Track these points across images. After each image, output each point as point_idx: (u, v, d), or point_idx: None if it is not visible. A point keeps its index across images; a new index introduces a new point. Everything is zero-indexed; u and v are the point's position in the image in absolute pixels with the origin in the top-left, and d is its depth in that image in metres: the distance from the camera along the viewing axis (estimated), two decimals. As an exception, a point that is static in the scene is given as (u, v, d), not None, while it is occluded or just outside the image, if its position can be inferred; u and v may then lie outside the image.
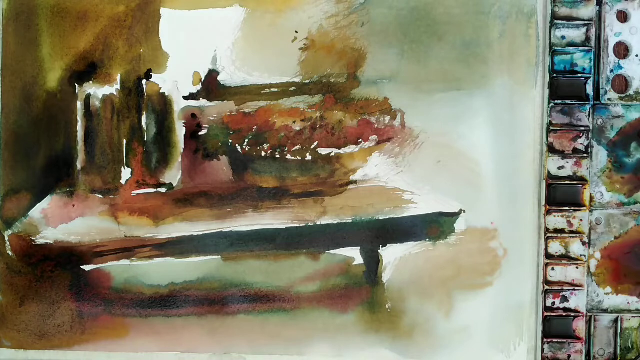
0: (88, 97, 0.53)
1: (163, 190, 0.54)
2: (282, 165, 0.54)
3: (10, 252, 0.54)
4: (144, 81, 0.53)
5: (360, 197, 0.54)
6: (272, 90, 0.54)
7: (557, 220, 0.54)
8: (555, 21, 0.53)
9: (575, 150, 0.54)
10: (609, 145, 0.54)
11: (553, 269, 0.54)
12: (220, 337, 0.54)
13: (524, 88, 0.54)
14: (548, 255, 0.54)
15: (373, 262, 0.54)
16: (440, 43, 0.53)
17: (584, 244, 0.54)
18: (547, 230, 0.54)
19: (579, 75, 0.54)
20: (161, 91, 0.53)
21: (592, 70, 0.54)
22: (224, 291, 0.54)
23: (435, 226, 0.54)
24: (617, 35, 0.54)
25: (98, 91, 0.53)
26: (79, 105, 0.53)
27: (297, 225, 0.54)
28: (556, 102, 0.53)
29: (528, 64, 0.54)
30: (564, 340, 0.54)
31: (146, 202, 0.54)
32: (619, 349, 0.54)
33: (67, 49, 0.53)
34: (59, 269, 0.54)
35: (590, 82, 0.54)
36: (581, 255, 0.54)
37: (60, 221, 0.54)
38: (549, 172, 0.54)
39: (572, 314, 0.54)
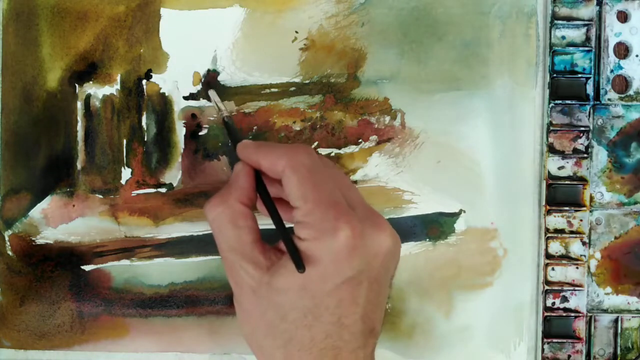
0: (88, 97, 0.53)
1: (163, 190, 0.54)
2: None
3: (10, 252, 0.54)
4: (144, 81, 0.53)
5: (360, 197, 0.54)
6: (272, 90, 0.54)
7: (557, 220, 0.54)
8: (555, 21, 0.53)
9: (575, 150, 0.54)
10: (609, 145, 0.54)
11: (553, 269, 0.54)
12: (220, 337, 0.54)
13: (524, 88, 0.54)
14: (548, 255, 0.54)
15: (373, 262, 0.54)
16: (440, 43, 0.53)
17: (584, 244, 0.54)
18: (547, 230, 0.54)
19: (579, 75, 0.54)
20: (161, 91, 0.53)
21: (592, 70, 0.54)
22: (224, 291, 0.54)
23: (435, 226, 0.54)
24: (617, 35, 0.54)
25: (98, 91, 0.53)
26: (79, 105, 0.53)
27: (297, 225, 0.54)
28: (556, 102, 0.53)
29: (528, 64, 0.54)
30: (564, 340, 0.54)
31: (146, 202, 0.54)
32: (619, 349, 0.54)
33: (67, 49, 0.53)
34: (59, 269, 0.54)
35: (590, 82, 0.54)
36: (581, 255, 0.54)
37: (60, 221, 0.54)
38: (549, 172, 0.54)
39: (572, 314, 0.54)
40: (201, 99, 0.53)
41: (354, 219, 0.40)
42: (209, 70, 0.53)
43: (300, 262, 0.40)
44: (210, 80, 0.53)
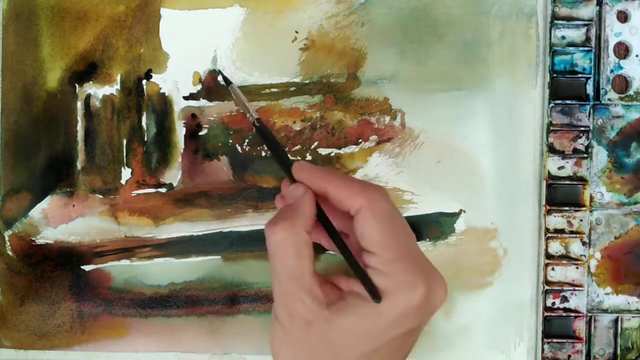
0: (88, 97, 0.53)
1: (163, 190, 0.54)
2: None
3: (10, 252, 0.54)
4: (144, 81, 0.53)
5: (360, 197, 0.53)
6: (272, 90, 0.54)
7: (557, 220, 0.54)
8: (555, 21, 0.53)
9: (575, 150, 0.54)
10: (609, 145, 0.54)
11: (553, 269, 0.54)
12: (220, 337, 0.54)
13: (524, 88, 0.54)
14: (548, 255, 0.54)
15: (373, 262, 0.54)
16: (440, 43, 0.53)
17: (584, 244, 0.54)
18: (547, 230, 0.54)
19: (579, 75, 0.54)
20: (161, 91, 0.53)
21: (592, 70, 0.54)
22: (224, 291, 0.54)
23: (435, 226, 0.54)
24: (617, 35, 0.54)
25: (98, 91, 0.53)
26: (79, 105, 0.53)
27: (297, 225, 0.54)
28: (556, 102, 0.54)
29: (528, 64, 0.54)
30: (564, 340, 0.54)
31: (146, 202, 0.54)
32: (619, 349, 0.54)
33: (67, 49, 0.53)
34: (59, 269, 0.54)
35: (590, 82, 0.54)
36: (581, 255, 0.54)
37: (60, 221, 0.54)
38: (549, 172, 0.54)
39: (572, 314, 0.54)
40: (201, 99, 0.53)
41: (428, 277, 0.41)
42: (211, 70, 0.53)
43: (376, 292, 0.40)
44: (225, 76, 0.52)
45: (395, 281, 0.40)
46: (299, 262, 0.41)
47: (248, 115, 0.47)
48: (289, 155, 0.54)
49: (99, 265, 0.54)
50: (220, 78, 0.53)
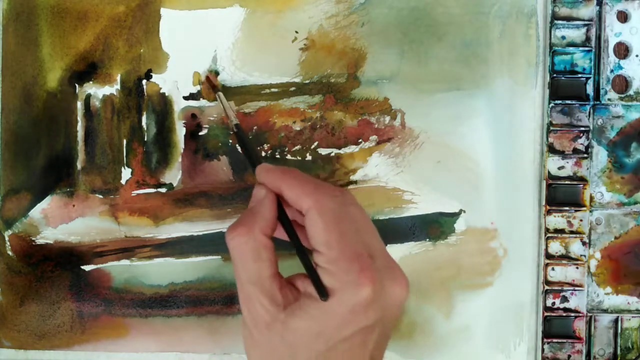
0: (88, 97, 0.53)
1: (163, 190, 0.54)
2: (282, 165, 0.54)
3: (10, 252, 0.54)
4: (144, 81, 0.53)
5: (360, 197, 0.54)
6: (272, 90, 0.54)
7: (557, 220, 0.54)
8: (555, 21, 0.53)
9: (575, 150, 0.54)
10: (609, 145, 0.54)
11: (553, 269, 0.54)
12: (220, 337, 0.54)
13: (524, 88, 0.54)
14: (548, 255, 0.54)
15: (373, 262, 0.54)
16: (440, 43, 0.53)
17: (584, 244, 0.54)
18: (547, 230, 0.54)
19: (579, 75, 0.54)
20: (161, 91, 0.53)
21: (592, 70, 0.54)
22: (224, 291, 0.54)
23: (435, 226, 0.54)
24: (617, 35, 0.54)
25: (98, 91, 0.53)
26: (79, 105, 0.53)
27: (297, 225, 0.54)
28: (556, 102, 0.54)
29: (528, 64, 0.54)
30: (564, 340, 0.54)
31: (146, 202, 0.54)
32: (619, 349, 0.54)
33: (67, 49, 0.53)
34: (59, 269, 0.54)
35: (590, 82, 0.54)
36: (581, 255, 0.54)
37: (60, 221, 0.54)
38: (549, 172, 0.54)
39: (572, 314, 0.54)
40: (201, 99, 0.53)
41: (375, 273, 0.41)
42: (210, 72, 0.53)
43: (324, 291, 0.41)
44: (213, 82, 0.53)
45: (340, 280, 0.40)
46: (257, 266, 0.42)
47: (229, 120, 0.49)
48: (288, 155, 0.54)
49: (99, 265, 0.54)
50: (205, 79, 0.53)
